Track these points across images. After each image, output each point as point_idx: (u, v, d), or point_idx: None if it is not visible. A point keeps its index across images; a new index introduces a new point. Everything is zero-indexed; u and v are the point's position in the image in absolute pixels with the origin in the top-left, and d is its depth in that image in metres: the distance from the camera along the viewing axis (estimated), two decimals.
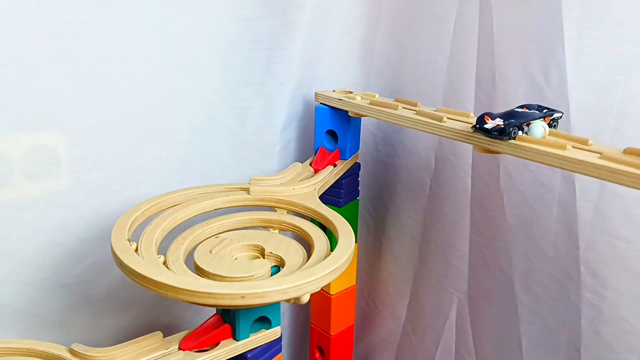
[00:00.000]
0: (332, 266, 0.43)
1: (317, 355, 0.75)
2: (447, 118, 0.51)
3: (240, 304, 0.40)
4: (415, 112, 0.54)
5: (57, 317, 0.60)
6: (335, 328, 0.72)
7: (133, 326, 0.66)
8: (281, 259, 0.49)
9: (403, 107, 0.56)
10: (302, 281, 0.41)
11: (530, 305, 0.60)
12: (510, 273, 0.61)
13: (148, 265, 0.42)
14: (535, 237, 0.58)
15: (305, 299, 0.42)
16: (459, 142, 0.49)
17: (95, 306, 0.62)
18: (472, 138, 0.47)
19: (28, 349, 0.47)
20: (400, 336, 0.76)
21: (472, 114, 0.52)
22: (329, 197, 0.66)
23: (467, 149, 0.62)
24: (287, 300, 0.42)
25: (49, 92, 0.52)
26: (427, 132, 0.51)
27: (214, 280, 0.45)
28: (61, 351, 0.47)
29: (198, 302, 0.40)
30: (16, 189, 0.53)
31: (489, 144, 0.46)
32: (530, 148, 0.43)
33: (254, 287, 0.40)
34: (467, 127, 0.49)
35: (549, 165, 0.42)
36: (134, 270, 0.41)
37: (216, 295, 0.39)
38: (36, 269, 0.57)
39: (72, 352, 0.47)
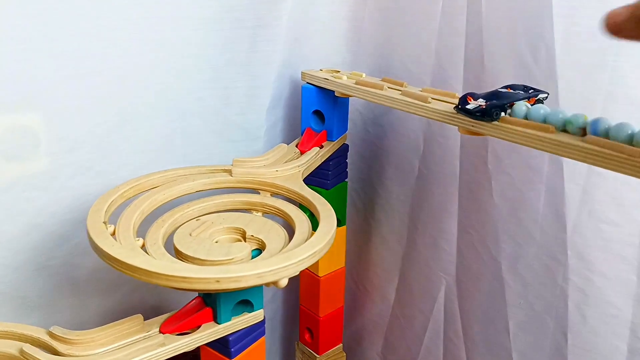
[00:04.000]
0: (311, 250, 0.42)
1: (307, 336, 0.75)
2: (432, 99, 0.50)
3: (215, 289, 0.39)
4: (400, 92, 0.53)
5: (40, 299, 0.60)
6: (324, 310, 0.72)
7: (118, 308, 0.66)
8: (262, 242, 0.48)
9: (389, 87, 0.55)
10: (279, 265, 0.40)
11: (518, 289, 0.60)
12: (498, 256, 0.60)
13: (123, 249, 0.41)
14: (523, 220, 0.57)
15: (283, 283, 0.41)
16: (444, 123, 0.48)
17: (79, 288, 0.62)
18: (456, 119, 0.46)
19: (6, 331, 0.47)
20: (389, 318, 0.76)
21: (457, 95, 0.51)
22: (316, 179, 0.65)
23: (456, 131, 0.61)
24: (266, 284, 0.41)
25: (27, 72, 0.50)
26: (412, 113, 0.50)
27: (193, 263, 0.45)
28: (40, 334, 0.47)
29: (174, 287, 0.39)
30: None
31: (472, 126, 0.45)
32: (514, 130, 0.42)
33: (230, 271, 0.39)
34: (452, 108, 0.48)
35: (532, 147, 0.41)
36: (108, 254, 0.41)
37: (191, 279, 0.38)
38: (17, 251, 0.56)
39: (51, 335, 0.46)
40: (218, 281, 0.39)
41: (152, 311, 0.69)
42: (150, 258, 0.41)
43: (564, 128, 0.40)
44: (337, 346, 0.76)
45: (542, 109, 0.41)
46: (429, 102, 0.49)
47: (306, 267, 0.42)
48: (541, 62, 0.52)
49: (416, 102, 0.50)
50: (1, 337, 0.47)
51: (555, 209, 0.54)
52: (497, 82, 0.55)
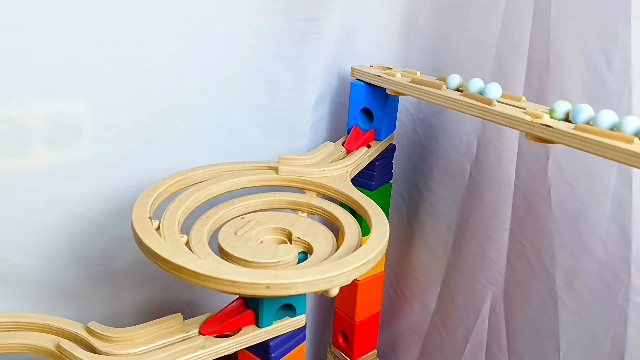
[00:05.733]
0: (364, 258, 0.40)
1: (341, 340, 0.72)
2: (497, 101, 0.47)
3: (265, 295, 0.37)
4: (460, 93, 0.50)
5: (76, 290, 0.59)
6: (361, 315, 0.69)
7: (154, 302, 0.65)
8: (309, 245, 0.46)
9: (447, 87, 0.52)
10: (331, 273, 0.38)
11: (572, 306, 0.56)
12: (553, 270, 0.57)
13: (169, 247, 0.39)
14: (583, 233, 0.54)
15: (334, 292, 0.39)
16: (509, 128, 0.45)
17: (115, 280, 0.61)
18: (524, 125, 0.43)
19: (44, 324, 0.45)
20: (428, 327, 0.73)
21: (524, 98, 0.48)
22: (360, 179, 0.62)
23: (513, 135, 0.58)
24: (315, 292, 0.39)
25: (72, 59, 0.49)
26: (474, 115, 0.47)
27: (238, 264, 0.43)
28: (78, 329, 0.45)
29: (220, 290, 0.37)
30: (36, 158, 0.51)
31: (544, 133, 0.42)
32: (592, 140, 0.39)
33: (280, 277, 0.37)
34: (519, 113, 0.44)
35: (612, 160, 0.38)
36: (154, 252, 0.39)
37: (240, 284, 0.36)
38: (55, 240, 0.55)
39: (89, 330, 0.45)
40: (268, 287, 0.36)
41: (187, 306, 0.68)
42: (196, 258, 0.39)
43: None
44: (372, 352, 0.74)
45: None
46: (494, 105, 0.46)
47: (359, 275, 0.39)
48: (615, 67, 0.48)
49: (479, 104, 0.47)
50: (38, 330, 0.45)
51: (621, 224, 0.51)
52: (563, 86, 0.52)
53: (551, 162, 0.55)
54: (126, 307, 0.63)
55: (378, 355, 0.74)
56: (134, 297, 0.63)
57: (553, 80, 0.53)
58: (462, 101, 0.48)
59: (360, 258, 0.40)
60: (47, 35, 0.47)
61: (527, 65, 0.56)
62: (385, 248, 0.43)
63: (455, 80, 0.51)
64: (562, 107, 0.42)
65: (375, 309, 0.71)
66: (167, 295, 0.65)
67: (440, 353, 0.72)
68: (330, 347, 0.75)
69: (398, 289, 0.78)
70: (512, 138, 0.58)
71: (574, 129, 0.40)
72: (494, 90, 0.47)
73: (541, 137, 0.42)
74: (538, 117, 0.43)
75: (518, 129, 0.44)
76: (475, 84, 0.49)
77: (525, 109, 0.45)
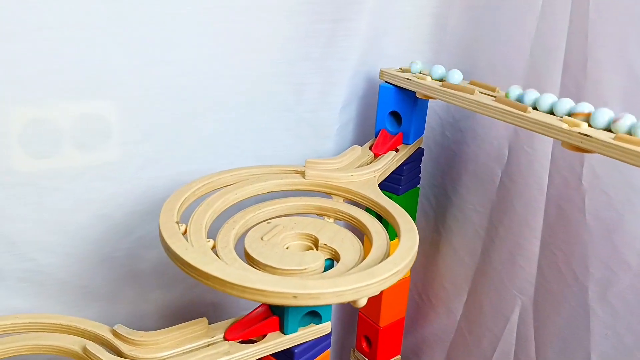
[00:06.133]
0: (393, 268, 0.39)
1: (364, 345, 0.72)
2: (532, 108, 0.45)
3: (292, 304, 0.36)
4: (493, 98, 0.49)
5: (102, 290, 0.59)
6: (385, 320, 0.68)
7: (179, 302, 0.65)
8: (336, 252, 0.45)
9: (480, 92, 0.50)
10: (360, 284, 0.37)
11: (605, 318, 0.55)
12: (585, 281, 0.55)
13: (196, 253, 0.39)
14: (618, 244, 0.52)
15: (362, 302, 0.38)
16: (545, 136, 0.43)
17: (141, 281, 0.61)
18: (561, 133, 0.42)
19: (70, 326, 0.46)
20: (454, 334, 0.72)
21: None
22: (387, 183, 0.61)
23: (547, 141, 0.56)
24: (342, 303, 0.38)
25: (100, 60, 0.49)
26: (508, 122, 0.46)
27: (265, 271, 0.42)
28: (104, 331, 0.45)
29: (247, 298, 0.37)
30: (65, 159, 0.51)
31: (582, 142, 0.40)
32: (634, 151, 0.37)
33: (308, 287, 0.36)
34: (555, 120, 0.43)
35: None
36: (181, 258, 0.38)
37: (267, 293, 0.36)
38: (83, 240, 0.55)
39: (115, 333, 0.45)
40: (295, 297, 0.36)
41: (211, 307, 0.68)
42: (224, 265, 0.39)
43: None
44: (396, 357, 0.73)
45: None
46: (529, 112, 0.45)
47: (389, 286, 0.38)
48: None
49: (514, 110, 0.45)
50: (65, 331, 0.46)
51: None
52: (601, 91, 0.50)
53: (586, 169, 0.53)
54: (151, 307, 0.63)
55: None
56: (160, 297, 0.63)
57: (590, 86, 0.51)
58: (495, 107, 0.47)
59: (389, 268, 0.39)
60: (75, 38, 0.47)
61: (562, 70, 0.54)
62: (415, 258, 0.42)
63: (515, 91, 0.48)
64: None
65: (400, 314, 0.70)
66: (192, 296, 0.65)
67: None
68: (353, 352, 0.74)
69: (424, 295, 0.76)
70: (545, 144, 0.57)
71: (614, 138, 0.39)
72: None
73: (578, 147, 0.41)
74: (576, 125, 0.41)
75: (554, 138, 0.43)
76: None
77: (562, 117, 0.43)
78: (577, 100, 0.50)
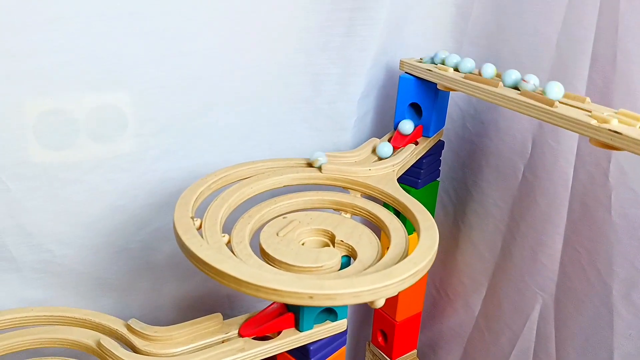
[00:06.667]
0: (412, 268, 0.38)
1: (380, 339, 0.71)
2: (559, 102, 0.43)
3: (308, 304, 0.35)
4: (518, 91, 0.47)
5: (117, 281, 0.59)
6: (402, 314, 0.67)
7: (193, 294, 0.65)
8: (353, 249, 0.44)
9: (504, 85, 0.49)
10: (378, 284, 0.36)
11: (629, 318, 0.53)
12: (610, 280, 0.53)
13: (211, 250, 0.38)
14: None
15: (380, 303, 0.37)
16: (573, 132, 0.42)
17: (156, 272, 0.61)
18: (590, 129, 0.40)
19: (84, 319, 0.45)
20: (471, 330, 0.71)
21: (588, 99, 0.44)
22: (406, 176, 0.60)
23: (572, 135, 0.54)
24: (359, 303, 0.37)
25: (115, 51, 0.48)
26: (533, 117, 0.44)
27: (280, 267, 0.41)
28: (118, 325, 0.45)
29: (262, 297, 0.36)
30: (81, 151, 0.51)
31: (611, 139, 0.39)
32: None
33: (325, 287, 0.35)
34: (584, 116, 0.41)
35: None
36: (196, 255, 0.38)
37: (282, 292, 0.35)
38: (98, 232, 0.55)
39: (129, 328, 0.45)
40: (311, 297, 0.35)
41: (226, 300, 0.68)
42: (239, 262, 0.38)
43: None
44: (412, 352, 0.72)
45: None
46: (555, 107, 0.43)
47: (407, 287, 0.37)
48: None
49: (539, 104, 0.44)
50: (79, 325, 0.45)
51: None
52: (630, 85, 0.48)
53: (613, 166, 0.51)
54: (166, 298, 0.63)
55: (418, 355, 0.72)
56: (174, 289, 0.63)
57: (620, 79, 0.49)
58: (520, 101, 0.45)
59: (408, 268, 0.38)
60: (91, 28, 0.46)
61: (590, 62, 0.52)
62: (435, 257, 0.41)
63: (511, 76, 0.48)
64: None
65: (417, 308, 0.69)
66: (207, 288, 0.65)
67: (484, 356, 0.70)
68: (368, 345, 0.73)
69: (441, 289, 0.75)
70: (570, 138, 0.55)
71: None
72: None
73: (607, 144, 0.39)
74: (605, 121, 0.40)
75: (582, 134, 0.41)
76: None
77: (590, 112, 0.42)
78: (606, 96, 0.49)
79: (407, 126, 0.57)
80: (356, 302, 0.36)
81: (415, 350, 0.72)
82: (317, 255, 0.42)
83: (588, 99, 0.44)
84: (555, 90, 0.44)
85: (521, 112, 0.45)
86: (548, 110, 0.43)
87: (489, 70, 0.50)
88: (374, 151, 0.55)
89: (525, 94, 0.46)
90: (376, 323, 0.70)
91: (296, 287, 0.35)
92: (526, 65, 0.57)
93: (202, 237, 0.41)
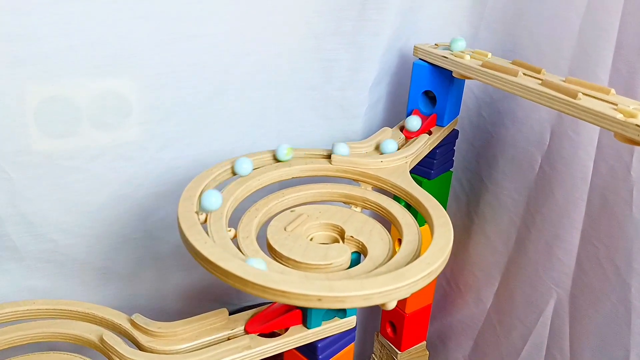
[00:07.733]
0: (425, 269, 0.36)
1: (389, 330, 0.70)
2: (583, 94, 0.41)
3: (316, 306, 0.34)
4: (539, 81, 0.45)
5: (122, 271, 0.58)
6: (412, 306, 0.66)
7: (198, 285, 0.64)
8: (363, 245, 0.43)
9: (524, 74, 0.46)
10: (389, 286, 0.34)
11: None
12: (628, 277, 0.52)
13: (216, 248, 0.37)
14: None
15: (391, 305, 0.36)
16: (597, 126, 0.40)
17: (161, 262, 0.60)
18: (615, 124, 0.38)
19: (87, 313, 0.45)
20: (482, 323, 0.70)
21: (613, 91, 0.42)
22: (418, 167, 0.58)
23: (593, 126, 0.52)
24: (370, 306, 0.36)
25: (119, 35, 0.46)
26: (555, 109, 0.42)
27: (287, 264, 0.40)
28: (121, 320, 0.44)
29: (269, 298, 0.35)
30: (84, 139, 0.49)
31: (639, 135, 0.36)
32: None
33: (334, 289, 0.34)
34: (609, 109, 0.39)
35: None
36: (200, 253, 0.36)
37: (290, 294, 0.34)
38: (102, 221, 0.54)
39: (133, 323, 0.43)
40: (320, 299, 0.33)
41: (232, 290, 0.67)
42: (243, 262, 0.36)
43: None
44: (421, 343, 0.71)
45: None
46: (579, 99, 0.41)
47: (419, 289, 0.36)
48: None
49: (562, 96, 0.41)
50: (82, 319, 0.45)
51: None
52: None
53: (636, 159, 0.49)
54: (171, 288, 0.62)
55: (427, 346, 0.71)
56: (180, 279, 0.62)
57: None
58: (541, 92, 0.43)
59: (421, 269, 0.36)
60: (95, 14, 0.45)
61: (615, 50, 0.49)
62: (449, 256, 0.39)
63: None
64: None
65: (427, 300, 0.67)
66: (213, 278, 0.63)
67: (495, 350, 0.68)
68: (377, 336, 0.72)
69: (452, 282, 0.74)
70: (591, 130, 0.53)
71: None
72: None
73: (635, 140, 0.37)
74: (632, 115, 0.38)
75: (606, 128, 0.39)
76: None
77: (616, 105, 0.39)
78: (631, 87, 0.46)
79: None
80: (366, 304, 0.34)
81: (425, 342, 0.71)
82: (326, 252, 0.41)
83: (613, 91, 0.42)
84: (459, 45, 0.42)
85: (542, 104, 0.43)
86: (571, 103, 0.41)
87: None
88: None
89: (546, 83, 0.43)
90: (385, 314, 0.69)
91: (304, 289, 0.34)
92: (546, 52, 0.55)
93: (207, 232, 0.40)
